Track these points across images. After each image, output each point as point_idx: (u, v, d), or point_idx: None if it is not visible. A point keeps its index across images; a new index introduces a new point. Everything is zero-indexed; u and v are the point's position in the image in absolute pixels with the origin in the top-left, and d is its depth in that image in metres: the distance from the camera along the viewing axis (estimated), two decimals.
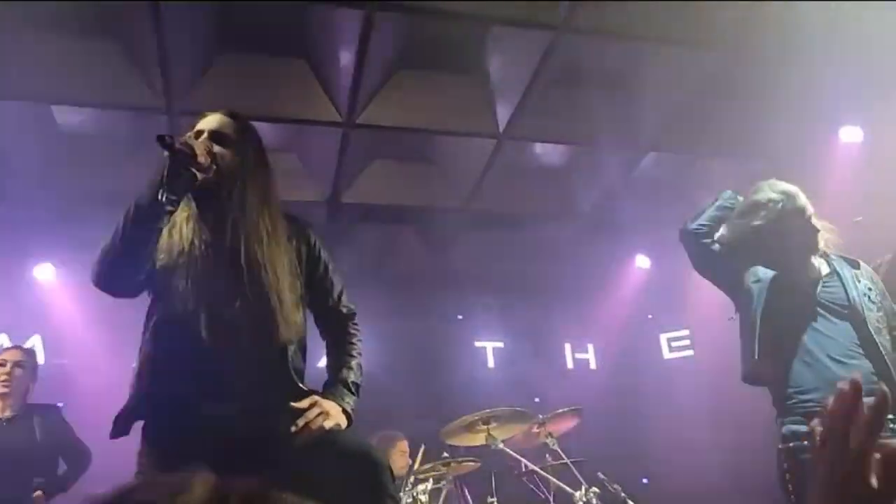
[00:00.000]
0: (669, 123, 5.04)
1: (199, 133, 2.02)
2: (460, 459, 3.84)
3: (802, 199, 2.51)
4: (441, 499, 3.71)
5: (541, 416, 3.84)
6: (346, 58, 4.49)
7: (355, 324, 2.17)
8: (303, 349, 2.04)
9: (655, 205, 5.76)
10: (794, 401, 2.34)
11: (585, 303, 6.54)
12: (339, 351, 2.10)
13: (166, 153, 1.83)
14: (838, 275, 2.51)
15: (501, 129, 4.99)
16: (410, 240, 6.35)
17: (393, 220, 6.09)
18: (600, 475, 3.67)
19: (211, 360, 1.86)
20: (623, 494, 3.52)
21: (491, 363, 6.71)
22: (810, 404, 2.29)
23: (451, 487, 3.79)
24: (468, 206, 5.76)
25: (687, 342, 6.64)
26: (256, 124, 5.37)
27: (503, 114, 4.93)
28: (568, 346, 6.89)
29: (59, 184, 5.00)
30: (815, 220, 2.51)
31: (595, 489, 3.45)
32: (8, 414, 3.39)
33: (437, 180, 5.70)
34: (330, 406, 1.90)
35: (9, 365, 3.50)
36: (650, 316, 6.78)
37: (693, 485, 5.66)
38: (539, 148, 5.61)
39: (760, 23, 4.20)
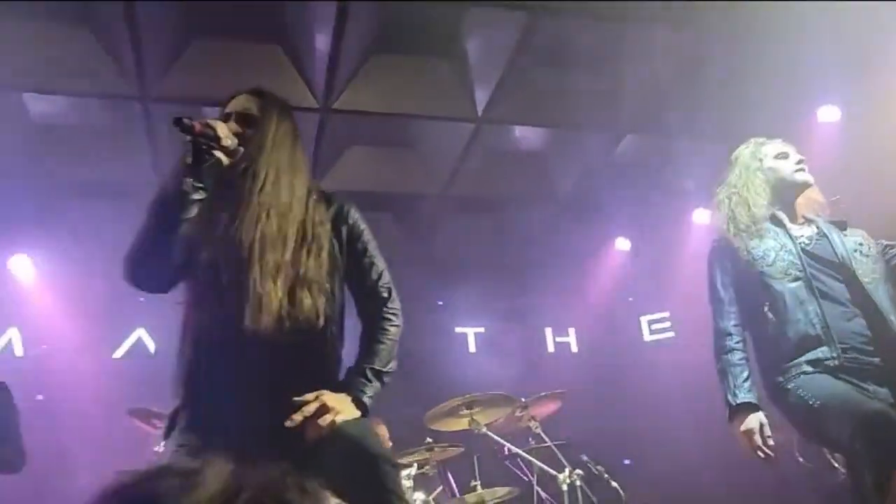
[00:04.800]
0: (648, 105, 5.04)
1: (228, 116, 1.93)
2: (444, 444, 3.85)
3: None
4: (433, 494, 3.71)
5: (523, 400, 3.86)
6: (322, 42, 4.44)
7: (392, 307, 2.03)
8: (333, 336, 1.95)
9: (635, 187, 5.78)
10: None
11: (566, 286, 6.56)
12: (369, 336, 1.98)
13: (188, 138, 1.75)
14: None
15: (480, 112, 4.96)
16: (389, 226, 6.31)
17: (371, 207, 5.94)
18: (583, 457, 3.70)
19: (244, 348, 1.78)
20: (606, 476, 3.55)
21: (472, 348, 6.72)
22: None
23: (435, 472, 3.81)
24: (447, 191, 5.74)
25: (667, 324, 6.69)
26: None
27: (481, 97, 4.90)
28: (549, 331, 6.92)
29: (34, 174, 4.90)
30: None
31: (578, 471, 3.47)
32: None
33: (416, 165, 5.67)
34: (334, 400, 1.79)
35: None
36: (630, 299, 6.82)
37: (675, 465, 5.73)
38: (518, 131, 5.59)
39: (738, 3, 4.21)
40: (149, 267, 1.85)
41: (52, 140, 4.86)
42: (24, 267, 5.51)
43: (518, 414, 3.89)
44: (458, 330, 6.71)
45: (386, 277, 2.06)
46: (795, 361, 2.28)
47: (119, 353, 5.78)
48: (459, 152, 5.36)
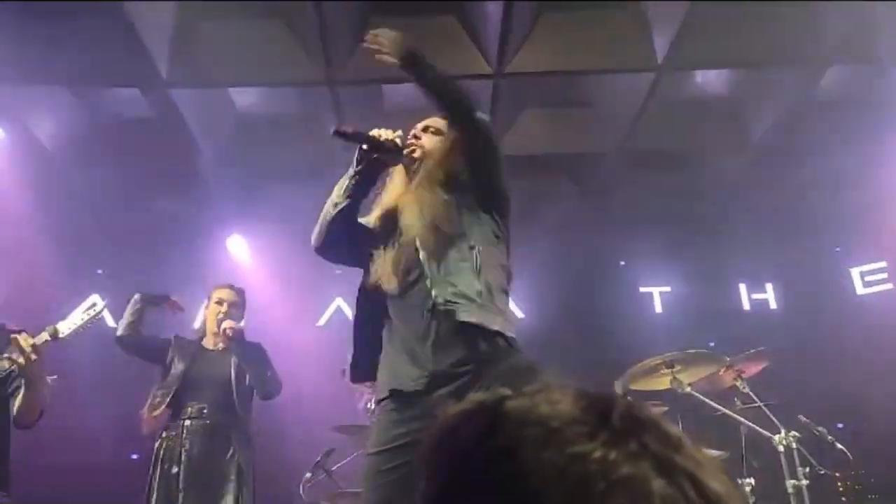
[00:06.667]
0: (852, 30, 4.49)
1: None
2: (650, 403, 3.76)
3: None
4: None
5: (728, 359, 3.66)
6: (494, 7, 4.43)
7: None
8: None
9: (839, 125, 5.22)
10: None
11: (761, 239, 6.10)
12: None
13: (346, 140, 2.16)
14: None
15: (660, 60, 4.70)
16: (566, 188, 6.22)
17: (547, 169, 5.98)
18: (802, 418, 3.44)
19: (405, 311, 2.13)
20: (830, 437, 3.28)
21: (658, 308, 6.49)
22: None
23: None
24: (626, 147, 5.53)
25: (884, 275, 6.02)
26: (410, 87, 5.49)
27: (661, 43, 4.64)
28: (743, 287, 6.50)
29: (241, 161, 5.42)
30: None
31: (794, 433, 3.24)
32: (220, 346, 3.76)
33: (593, 123, 5.52)
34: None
35: (225, 305, 3.87)
36: (837, 248, 6.21)
37: (895, 429, 5.20)
38: (702, 76, 5.24)
39: None
40: (330, 239, 2.25)
41: (255, 129, 5.33)
42: (239, 246, 6.14)
43: (722, 373, 3.71)
44: (643, 290, 6.51)
45: None
46: None
47: (322, 322, 6.29)
48: (639, 105, 5.13)
